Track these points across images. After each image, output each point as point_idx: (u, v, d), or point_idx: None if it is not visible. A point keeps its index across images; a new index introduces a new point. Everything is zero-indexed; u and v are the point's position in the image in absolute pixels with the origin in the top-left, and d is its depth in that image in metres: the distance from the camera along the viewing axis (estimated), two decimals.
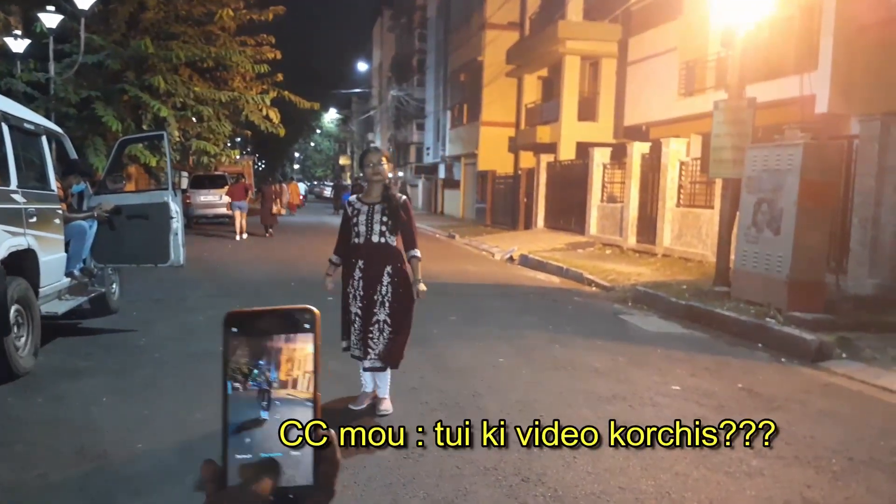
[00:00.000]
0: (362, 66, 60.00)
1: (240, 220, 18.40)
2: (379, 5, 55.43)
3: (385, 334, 4.37)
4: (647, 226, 14.44)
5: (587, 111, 21.51)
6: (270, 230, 19.43)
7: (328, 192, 57.85)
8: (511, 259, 14.79)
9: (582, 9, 21.66)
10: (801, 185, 7.59)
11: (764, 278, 8.01)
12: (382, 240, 4.38)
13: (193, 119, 18.70)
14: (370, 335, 4.36)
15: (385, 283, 4.36)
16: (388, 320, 4.35)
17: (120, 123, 15.93)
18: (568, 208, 18.59)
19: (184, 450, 3.90)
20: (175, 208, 6.79)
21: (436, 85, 37.84)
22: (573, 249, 15.19)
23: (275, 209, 20.43)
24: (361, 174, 4.61)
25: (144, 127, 16.51)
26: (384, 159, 4.50)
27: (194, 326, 7.07)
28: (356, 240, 4.43)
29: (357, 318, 4.40)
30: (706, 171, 10.84)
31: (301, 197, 38.28)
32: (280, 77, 20.14)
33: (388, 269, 4.37)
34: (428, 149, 40.16)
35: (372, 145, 5.98)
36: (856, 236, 8.73)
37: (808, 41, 12.28)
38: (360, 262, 4.38)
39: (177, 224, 6.79)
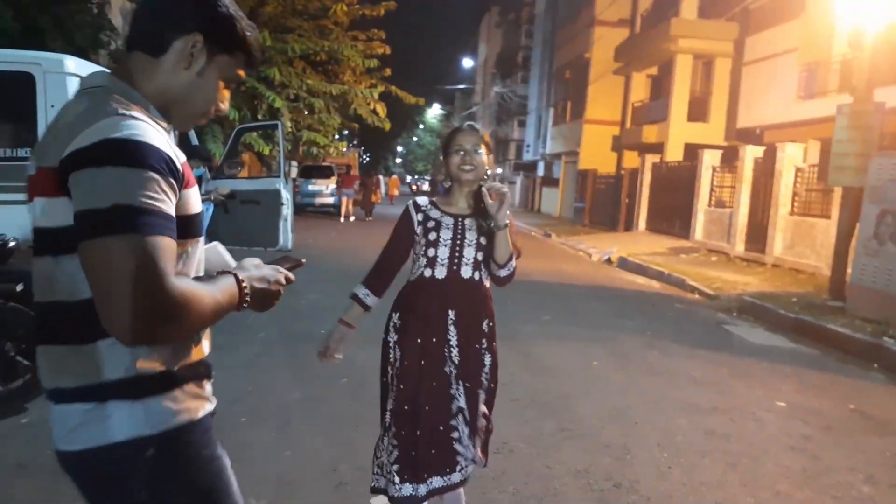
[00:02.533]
0: (467, 62, 60.32)
1: (346, 205, 21.95)
2: (487, 1, 55.52)
3: (479, 429, 2.63)
4: (757, 233, 13.80)
5: (697, 111, 20.77)
6: (370, 216, 23.04)
7: (426, 186, 59.27)
8: (609, 261, 14.51)
9: (697, 6, 20.91)
10: None
11: (883, 295, 7.51)
12: (476, 275, 2.59)
13: (305, 111, 19.39)
14: (456, 435, 2.57)
15: (483, 345, 2.62)
16: (487, 409, 2.65)
17: (237, 112, 16.73)
18: (672, 211, 18.01)
19: (282, 426, 4.07)
20: (286, 195, 7.09)
21: (540, 81, 37.55)
22: (676, 254, 14.73)
23: (373, 198, 23.62)
24: (443, 168, 2.73)
25: (259, 117, 17.26)
26: (483, 146, 2.60)
27: (297, 309, 7.35)
28: (429, 271, 2.58)
29: (437, 413, 2.55)
30: (823, 179, 10.26)
31: (399, 189, 41.14)
32: (388, 72, 20.57)
33: (486, 323, 2.63)
34: (528, 146, 39.95)
35: (466, 123, 2.86)
36: None
37: None
38: (451, 313, 2.56)
39: (287, 210, 7.08)
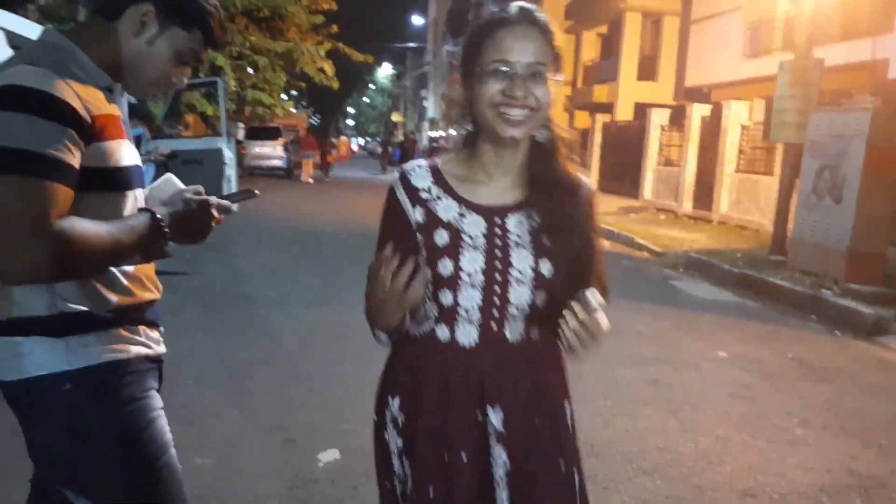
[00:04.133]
0: (417, 20, 59.37)
1: (307, 166, 22.59)
2: None
3: None
4: (704, 191, 14.07)
5: (647, 71, 20.91)
6: (328, 177, 24.53)
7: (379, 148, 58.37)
8: None
9: None
10: (866, 152, 7.25)
11: (822, 248, 7.75)
12: (535, 333, 1.42)
13: (249, 69, 18.88)
14: None
15: (558, 460, 1.44)
16: None
17: None
18: (622, 171, 18.22)
19: (229, 386, 4.02)
20: (228, 154, 6.91)
21: None
22: (626, 213, 14.94)
23: (329, 158, 25.35)
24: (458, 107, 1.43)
25: (201, 75, 16.73)
26: (551, 59, 1.33)
27: (244, 271, 7.23)
28: (444, 330, 1.40)
29: None
30: (768, 137, 10.45)
31: (350, 150, 42.21)
32: (335, 29, 20.12)
33: (562, 414, 1.48)
34: None
35: (517, 5, 1.31)
36: None
37: (884, 2, 11.61)
38: (494, 412, 1.39)
39: (230, 171, 6.92)
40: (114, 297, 1.39)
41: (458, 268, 1.35)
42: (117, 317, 1.40)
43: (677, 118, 16.24)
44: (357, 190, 20.74)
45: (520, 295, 1.36)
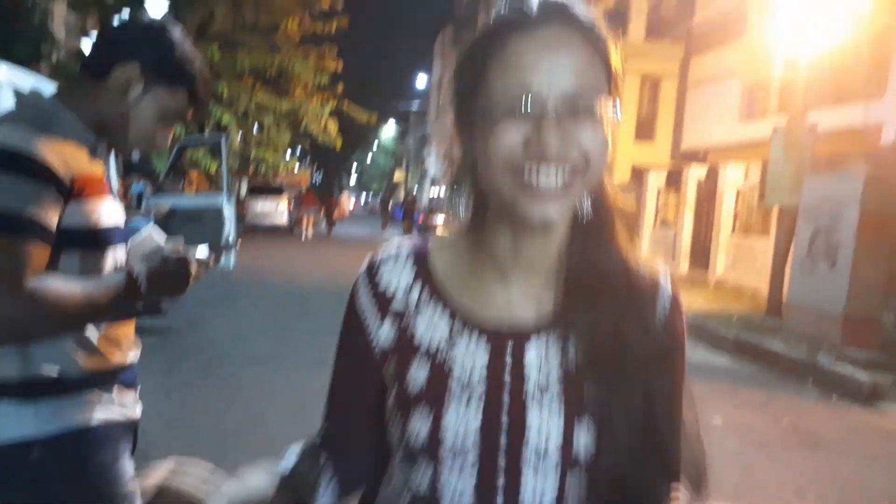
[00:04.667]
0: (422, 82, 60.68)
1: (307, 223, 22.89)
2: (442, 20, 56.01)
3: None
4: (701, 253, 14.14)
5: (644, 132, 21.26)
6: (330, 234, 25.16)
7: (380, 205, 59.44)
8: None
9: (644, 28, 21.47)
10: (860, 218, 7.33)
11: (818, 312, 7.75)
12: None
13: (254, 127, 19.22)
14: None
15: None
16: None
17: (183, 128, 16.48)
18: None
19: (218, 450, 3.97)
20: (228, 212, 6.98)
21: None
22: None
23: (335, 214, 26.31)
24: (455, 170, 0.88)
25: (206, 133, 17.03)
26: (602, 103, 0.78)
27: (241, 329, 7.22)
28: None
29: None
30: (764, 200, 10.57)
31: (352, 206, 43.58)
32: (340, 88, 20.55)
33: None
34: None
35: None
36: None
37: (877, 67, 11.88)
38: None
39: (230, 228, 6.98)
40: (86, 360, 1.38)
41: (438, 429, 0.82)
42: (90, 380, 1.38)
43: (674, 180, 16.43)
44: (357, 248, 20.82)
45: (540, 482, 0.82)
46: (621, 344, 0.84)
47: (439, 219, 29.33)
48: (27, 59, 11.03)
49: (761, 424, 5.15)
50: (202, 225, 6.99)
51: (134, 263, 1.44)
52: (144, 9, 14.46)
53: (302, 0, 19.44)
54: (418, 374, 0.85)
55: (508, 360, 0.84)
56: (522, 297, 0.87)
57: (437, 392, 0.84)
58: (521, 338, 0.85)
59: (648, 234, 16.54)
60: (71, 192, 1.30)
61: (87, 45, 15.33)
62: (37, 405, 1.32)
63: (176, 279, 1.45)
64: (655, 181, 16.76)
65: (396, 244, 0.93)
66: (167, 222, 7.06)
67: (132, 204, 7.64)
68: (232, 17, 18.50)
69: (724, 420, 5.17)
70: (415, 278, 0.89)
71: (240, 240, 7.67)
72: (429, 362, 0.85)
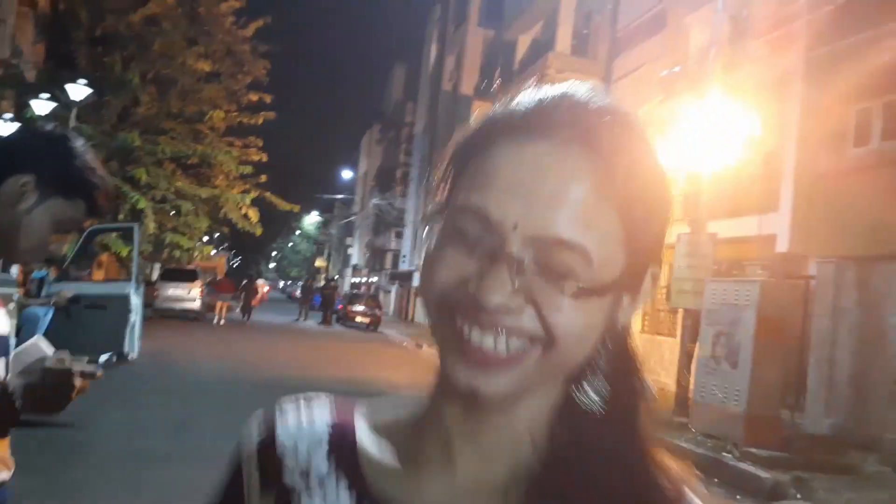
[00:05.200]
0: (347, 174, 61.61)
1: (221, 308, 22.72)
2: (370, 118, 57.55)
3: None
4: None
5: None
6: (248, 320, 24.69)
7: (299, 292, 57.60)
8: None
9: None
10: (757, 321, 7.74)
11: (722, 411, 8.01)
12: None
13: (171, 213, 18.90)
14: None
15: None
16: None
17: None
18: None
19: None
20: (135, 301, 6.76)
21: (417, 197, 38.80)
22: None
23: (253, 302, 25.85)
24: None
25: (120, 217, 16.61)
26: (588, 265, 0.53)
27: (141, 423, 6.84)
28: None
29: None
30: (669, 301, 11.05)
31: (265, 293, 42.56)
32: (264, 178, 20.60)
33: None
34: (405, 256, 40.63)
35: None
36: (812, 375, 8.83)
37: (769, 183, 12.88)
38: None
39: (135, 317, 6.74)
40: None
41: None
42: None
43: None
44: (272, 335, 20.38)
45: None
46: None
47: (359, 308, 28.98)
48: None
49: None
50: (106, 312, 6.72)
51: (12, 377, 1.39)
52: (44, 119, 14.22)
53: (230, 92, 19.66)
54: None
55: None
56: (468, 494, 0.59)
57: None
58: None
59: None
60: None
61: (2, 128, 14.92)
62: None
63: (56, 394, 1.39)
64: None
65: (308, 401, 0.68)
66: (69, 309, 6.77)
67: (32, 290, 7.29)
68: (157, 104, 18.48)
69: None
70: (328, 451, 0.63)
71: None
72: None
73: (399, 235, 44.02)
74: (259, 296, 36.56)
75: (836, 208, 11.26)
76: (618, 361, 0.60)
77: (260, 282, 40.11)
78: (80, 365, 1.45)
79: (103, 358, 1.51)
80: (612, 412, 0.58)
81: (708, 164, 9.71)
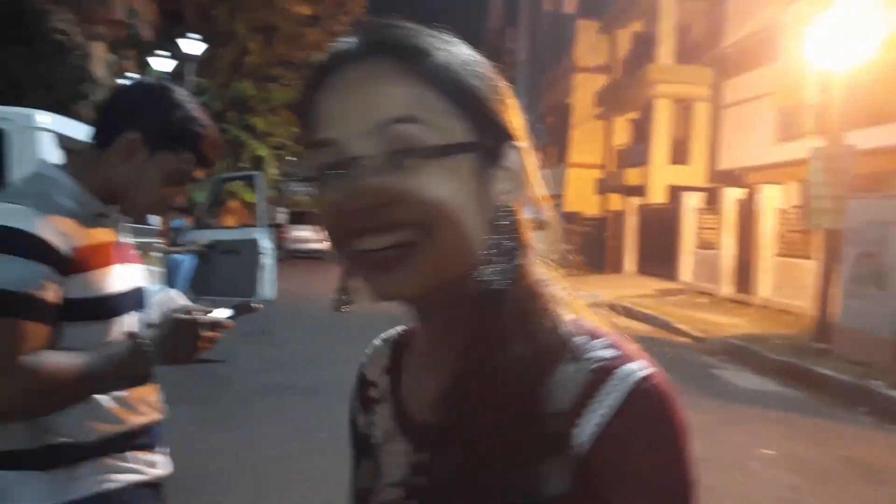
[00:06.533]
0: None
1: None
2: (472, 46, 56.52)
3: None
4: (744, 275, 13.84)
5: (679, 154, 21.06)
6: None
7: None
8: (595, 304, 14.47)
9: (674, 51, 21.37)
10: None
11: (868, 336, 7.50)
12: None
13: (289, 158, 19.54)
14: None
15: None
16: None
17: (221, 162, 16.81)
18: (658, 253, 18.05)
19: (259, 486, 3.95)
20: (265, 244, 7.04)
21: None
22: (663, 296, 14.72)
23: None
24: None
25: (243, 165, 17.34)
26: (437, 130, 0.60)
27: (277, 358, 7.24)
28: None
29: None
30: (805, 220, 10.34)
31: None
32: None
33: None
34: None
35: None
36: None
37: None
38: None
39: (267, 260, 7.02)
40: (100, 426, 1.37)
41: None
42: (105, 446, 1.37)
43: (712, 201, 16.19)
44: None
45: None
46: (492, 476, 0.59)
47: None
48: (68, 99, 11.37)
49: (815, 456, 4.96)
50: (239, 257, 7.05)
51: (143, 328, 1.43)
52: (153, 70, 14.79)
53: (332, 34, 19.80)
54: (361, 481, 0.77)
55: (423, 467, 0.68)
56: (434, 391, 0.67)
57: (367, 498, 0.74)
58: (434, 439, 0.66)
59: (688, 254, 16.28)
60: (73, 265, 1.30)
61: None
62: (51, 473, 1.31)
63: (184, 345, 1.41)
64: (692, 202, 16.51)
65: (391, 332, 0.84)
66: (207, 255, 7.16)
67: (173, 240, 7.78)
68: (265, 53, 18.91)
69: (776, 451, 5.00)
70: (387, 364, 0.79)
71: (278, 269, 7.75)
72: (372, 468, 0.75)
73: None
74: None
75: None
76: (509, 241, 0.64)
77: None
78: (209, 316, 1.46)
79: (227, 312, 1.49)
80: (504, 295, 0.63)
81: (842, 63, 8.78)
